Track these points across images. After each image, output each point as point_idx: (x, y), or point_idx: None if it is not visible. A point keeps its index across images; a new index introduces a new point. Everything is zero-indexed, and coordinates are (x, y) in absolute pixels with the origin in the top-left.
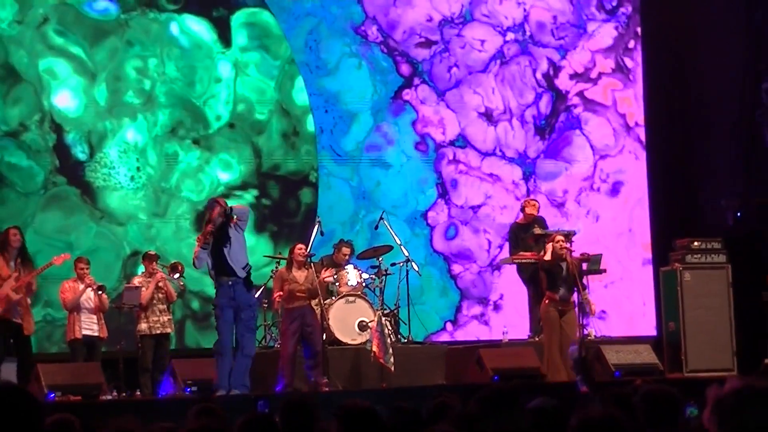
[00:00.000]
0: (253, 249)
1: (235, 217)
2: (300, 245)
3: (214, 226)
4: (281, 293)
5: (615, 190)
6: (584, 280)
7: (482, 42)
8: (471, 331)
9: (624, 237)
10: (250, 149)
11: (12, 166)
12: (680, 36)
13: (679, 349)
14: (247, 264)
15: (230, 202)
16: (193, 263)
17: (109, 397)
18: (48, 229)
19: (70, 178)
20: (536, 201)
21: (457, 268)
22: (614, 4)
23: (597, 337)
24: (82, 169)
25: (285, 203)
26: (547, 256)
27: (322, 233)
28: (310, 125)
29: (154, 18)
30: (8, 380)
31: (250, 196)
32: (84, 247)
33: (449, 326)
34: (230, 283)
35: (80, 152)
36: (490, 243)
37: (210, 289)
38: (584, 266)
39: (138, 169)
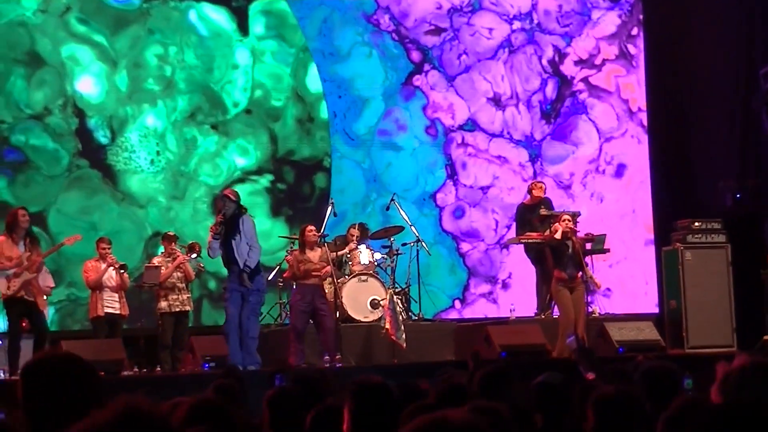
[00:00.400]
0: (269, 232)
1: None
2: (310, 226)
3: (224, 218)
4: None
5: (619, 173)
6: (587, 259)
7: (490, 30)
8: (479, 309)
9: (627, 218)
10: (266, 135)
11: (38, 149)
12: (679, 23)
13: (681, 326)
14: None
15: (246, 187)
16: (208, 253)
17: (130, 373)
18: (72, 211)
19: (92, 161)
20: (543, 183)
21: (465, 247)
22: None
23: (601, 314)
24: (104, 152)
25: (299, 187)
26: (558, 235)
27: (335, 214)
28: (323, 111)
29: (174, 6)
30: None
31: (265, 180)
32: (107, 228)
33: (458, 304)
34: (237, 271)
35: (102, 136)
36: (497, 223)
37: (225, 271)
38: (588, 246)
39: (158, 153)
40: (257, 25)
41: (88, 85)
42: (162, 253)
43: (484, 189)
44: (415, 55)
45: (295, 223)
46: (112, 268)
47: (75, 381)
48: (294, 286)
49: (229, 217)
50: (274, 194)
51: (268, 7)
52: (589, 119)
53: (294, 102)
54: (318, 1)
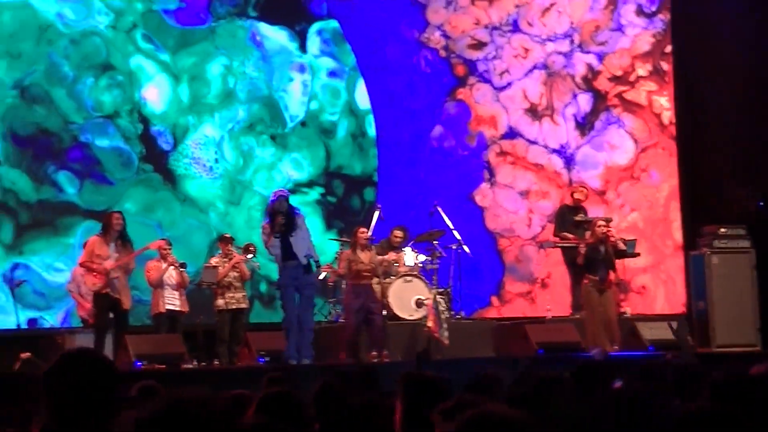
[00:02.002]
0: (321, 246)
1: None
2: (362, 228)
3: (284, 217)
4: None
5: (650, 181)
6: (618, 263)
7: (529, 46)
8: (517, 307)
9: (657, 224)
10: (319, 149)
11: (107, 150)
12: (706, 36)
13: (708, 326)
14: (309, 254)
15: (296, 198)
16: (268, 251)
17: (190, 366)
18: (140, 212)
19: (155, 166)
20: (585, 188)
21: (504, 249)
22: (653, 9)
23: (632, 314)
24: (166, 158)
25: (349, 200)
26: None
27: (382, 218)
28: (372, 127)
29: (240, 25)
30: (83, 346)
31: (315, 193)
32: (174, 231)
33: (496, 302)
34: (294, 266)
35: (164, 143)
36: (533, 223)
37: (276, 275)
38: (621, 246)
39: (216, 160)
40: (314, 44)
41: (152, 95)
42: (219, 253)
43: (522, 193)
44: (460, 69)
45: (344, 235)
46: (172, 267)
47: (92, 376)
48: (344, 285)
49: (287, 215)
50: (325, 206)
51: (324, 26)
52: (623, 130)
53: (347, 117)
54: (369, 19)
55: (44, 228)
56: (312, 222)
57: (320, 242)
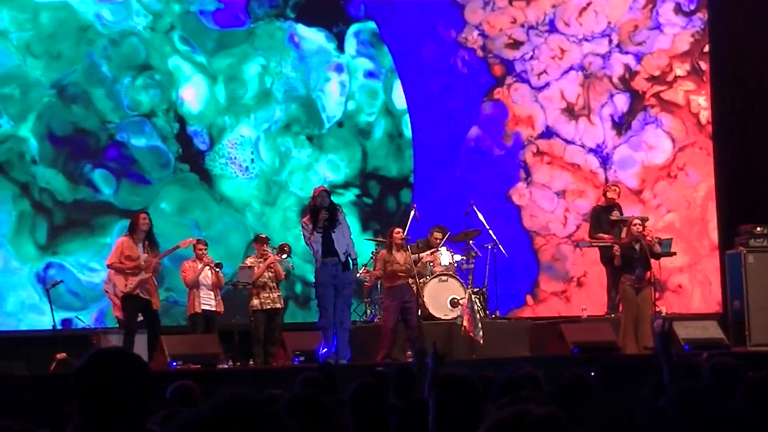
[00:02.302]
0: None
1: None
2: (398, 229)
3: (327, 212)
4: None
5: (687, 181)
6: (654, 262)
7: (566, 47)
8: (552, 306)
9: (694, 223)
10: (356, 150)
11: (144, 149)
12: (744, 35)
13: (743, 325)
14: (348, 251)
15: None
16: (310, 246)
17: (225, 366)
18: (176, 211)
19: (192, 165)
20: (617, 186)
21: (540, 248)
22: (692, 8)
23: (667, 314)
24: (202, 157)
25: (384, 202)
26: (625, 239)
27: (417, 218)
28: (408, 128)
29: (279, 26)
30: (116, 345)
31: (351, 194)
32: (211, 231)
33: (531, 301)
34: (334, 263)
35: (201, 142)
36: (569, 222)
37: (310, 276)
38: (657, 249)
39: (252, 161)
40: (351, 45)
41: (189, 95)
42: (254, 254)
43: (559, 193)
44: (498, 69)
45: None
46: (208, 267)
47: (124, 375)
48: (379, 286)
49: (329, 210)
50: (361, 208)
51: (362, 28)
52: (661, 129)
53: (385, 117)
54: (408, 20)
55: (79, 228)
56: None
57: (356, 243)
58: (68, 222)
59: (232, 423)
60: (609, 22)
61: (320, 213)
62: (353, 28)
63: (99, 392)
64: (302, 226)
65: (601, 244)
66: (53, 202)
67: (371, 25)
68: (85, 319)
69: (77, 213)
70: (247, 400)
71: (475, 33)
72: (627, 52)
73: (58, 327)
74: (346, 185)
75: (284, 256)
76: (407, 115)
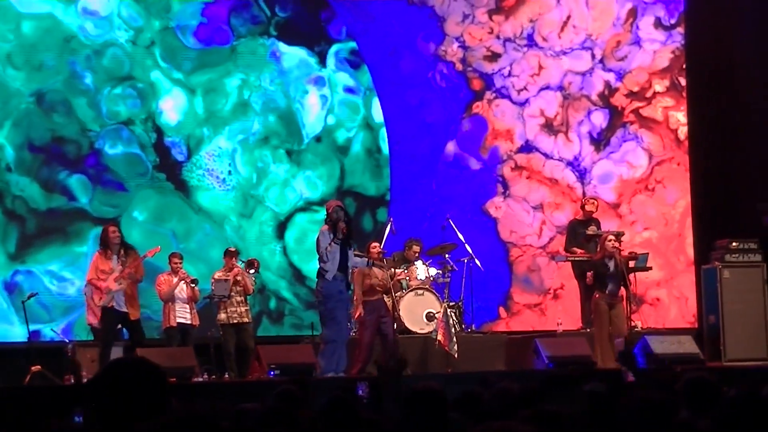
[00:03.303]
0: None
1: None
2: (374, 243)
3: (347, 226)
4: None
5: (664, 196)
6: (630, 277)
7: (546, 63)
8: (526, 319)
9: (671, 239)
10: (334, 167)
11: (122, 157)
12: (720, 53)
13: (718, 340)
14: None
15: (305, 216)
16: (324, 255)
17: (201, 379)
18: (153, 220)
19: (169, 175)
20: (595, 200)
21: (515, 260)
22: (672, 21)
23: (643, 328)
24: (179, 168)
25: (360, 221)
26: (599, 254)
27: (394, 232)
28: (386, 145)
29: (261, 43)
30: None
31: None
32: (190, 243)
33: (504, 312)
34: (342, 278)
35: (178, 153)
36: (544, 234)
37: (285, 292)
38: (631, 264)
39: (229, 172)
40: (332, 60)
41: (169, 106)
42: (223, 267)
43: (536, 206)
44: (476, 83)
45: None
46: (183, 281)
47: (145, 384)
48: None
49: (348, 224)
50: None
51: (342, 47)
52: (638, 145)
53: (364, 134)
54: (387, 33)
55: (52, 236)
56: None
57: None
58: (41, 230)
59: None
60: (590, 35)
61: (339, 224)
62: (334, 48)
63: (118, 400)
64: (321, 234)
65: (576, 258)
66: (27, 209)
67: (352, 44)
68: (50, 332)
69: (51, 221)
70: (196, 419)
71: (455, 45)
72: (610, 69)
73: (24, 339)
74: (322, 202)
75: (252, 271)
76: (383, 133)
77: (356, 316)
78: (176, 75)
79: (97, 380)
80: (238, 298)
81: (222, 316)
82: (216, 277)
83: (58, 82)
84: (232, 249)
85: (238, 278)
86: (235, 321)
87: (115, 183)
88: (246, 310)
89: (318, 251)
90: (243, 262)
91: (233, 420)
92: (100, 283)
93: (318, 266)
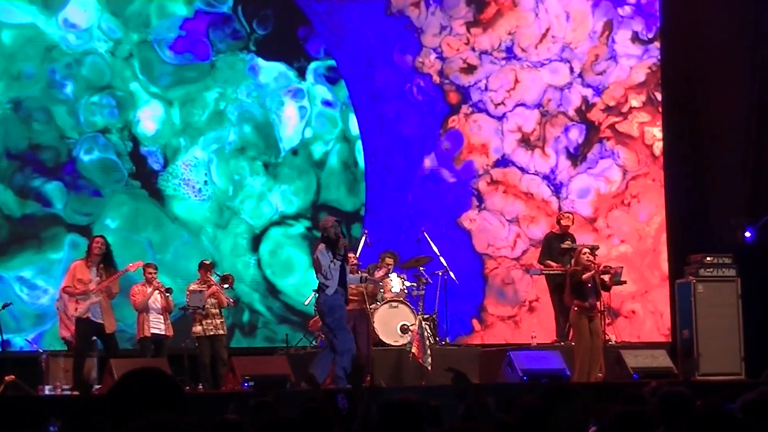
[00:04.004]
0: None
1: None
2: (350, 255)
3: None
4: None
5: (638, 211)
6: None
7: (523, 77)
8: (500, 331)
9: (645, 254)
10: (310, 181)
11: (99, 164)
12: (692, 68)
13: (692, 355)
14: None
15: (279, 230)
16: (327, 273)
17: None
18: (128, 228)
19: (144, 183)
20: (571, 214)
21: (490, 272)
22: (649, 36)
23: (617, 342)
24: (155, 177)
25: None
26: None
27: (368, 244)
28: (362, 160)
29: (241, 58)
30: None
31: (301, 226)
32: (166, 254)
33: (477, 324)
34: (342, 293)
35: (155, 162)
36: (518, 246)
37: (258, 305)
38: (606, 278)
39: (205, 182)
40: (311, 74)
41: (146, 116)
42: (198, 279)
43: (511, 219)
44: (453, 96)
45: None
46: (157, 291)
47: (161, 394)
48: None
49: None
50: (310, 241)
51: (321, 64)
52: (614, 161)
53: (340, 147)
54: (363, 45)
55: (25, 243)
56: (297, 256)
57: (305, 274)
58: (14, 236)
59: None
60: (569, 44)
61: (340, 240)
62: (313, 65)
63: (136, 411)
64: (319, 252)
65: (551, 272)
66: (1, 216)
67: (331, 62)
68: (22, 341)
69: (24, 228)
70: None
71: (432, 56)
72: (588, 84)
73: None
74: (297, 217)
75: (225, 286)
76: (359, 147)
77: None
78: (153, 89)
79: (115, 391)
80: (214, 311)
81: (198, 328)
82: (191, 288)
83: (36, 90)
84: (207, 262)
85: (215, 293)
86: (210, 333)
87: (90, 189)
88: (221, 322)
89: (319, 270)
90: (218, 276)
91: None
92: (76, 290)
93: (318, 282)
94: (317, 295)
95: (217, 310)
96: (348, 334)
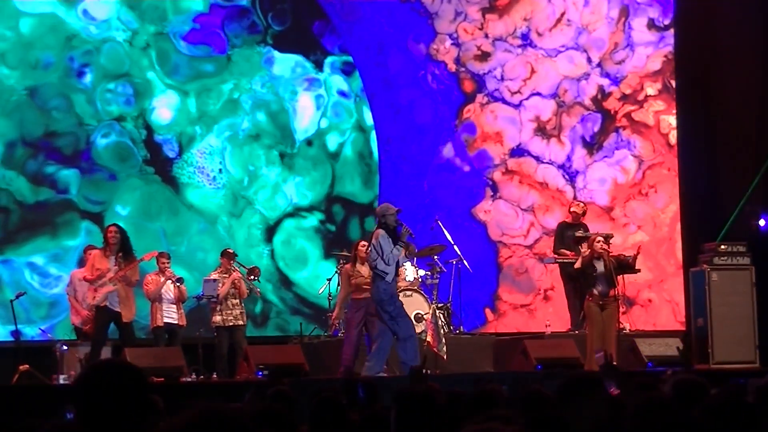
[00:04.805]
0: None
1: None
2: (363, 242)
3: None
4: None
5: (654, 200)
6: (619, 278)
7: (540, 66)
8: (514, 319)
9: (661, 242)
10: (325, 171)
11: (116, 150)
12: (707, 56)
13: (706, 343)
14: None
15: (292, 222)
16: (390, 260)
17: (189, 379)
18: (143, 215)
19: (159, 171)
20: (582, 202)
21: (504, 261)
22: (665, 22)
23: (632, 330)
24: (170, 164)
25: (347, 229)
26: (577, 264)
27: (412, 235)
28: (376, 151)
29: (258, 51)
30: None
31: (315, 219)
32: (180, 240)
33: (490, 313)
34: (396, 280)
35: (170, 150)
36: (531, 234)
37: (271, 295)
38: (630, 258)
39: (220, 170)
40: (327, 66)
41: (161, 105)
42: (219, 268)
43: (526, 209)
44: (468, 85)
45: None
46: (170, 281)
47: (126, 387)
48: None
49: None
50: (324, 235)
51: (337, 59)
52: (630, 152)
53: (356, 137)
54: (377, 36)
55: (38, 229)
56: (310, 249)
57: (319, 266)
58: (25, 223)
59: None
60: (585, 26)
61: (404, 228)
62: (330, 59)
63: (100, 402)
64: (381, 238)
65: (566, 260)
66: (13, 202)
67: (347, 58)
68: (33, 331)
69: (37, 214)
70: (219, 413)
71: (448, 42)
72: (606, 73)
73: (9, 339)
74: (310, 209)
75: (252, 278)
76: (374, 132)
77: (333, 317)
78: (169, 81)
79: (79, 383)
80: (234, 301)
81: (217, 318)
82: (209, 277)
83: (54, 78)
84: (230, 251)
85: (236, 282)
86: (230, 324)
87: (105, 174)
88: (241, 312)
89: (380, 255)
90: (245, 268)
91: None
92: (94, 278)
93: (377, 269)
94: (376, 282)
95: (237, 300)
96: (409, 320)
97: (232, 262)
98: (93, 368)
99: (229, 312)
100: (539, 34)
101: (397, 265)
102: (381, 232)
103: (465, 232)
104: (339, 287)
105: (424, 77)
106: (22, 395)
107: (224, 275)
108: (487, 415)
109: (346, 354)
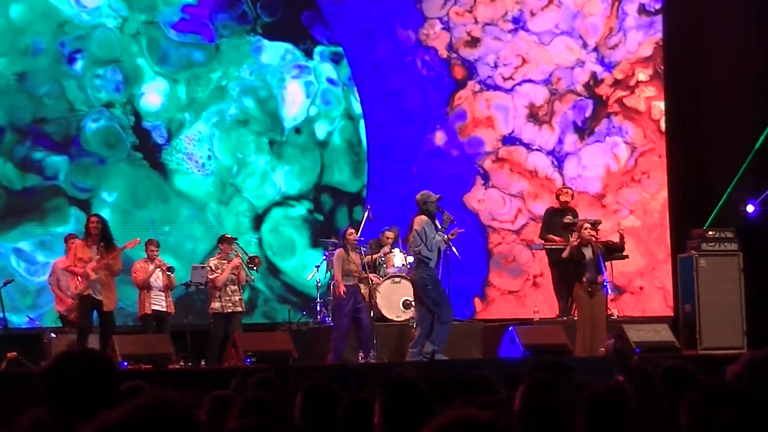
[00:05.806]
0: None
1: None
2: (351, 230)
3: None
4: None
5: (645, 186)
6: (607, 264)
7: (531, 52)
8: (503, 305)
9: (652, 229)
10: (314, 160)
11: (105, 136)
12: (697, 40)
13: (694, 329)
14: None
15: (279, 211)
16: (432, 246)
17: (177, 367)
18: (131, 201)
19: (147, 156)
20: (570, 189)
21: (494, 246)
22: (656, 7)
23: (620, 316)
24: (159, 151)
25: (335, 218)
26: (565, 254)
27: (371, 219)
28: (364, 139)
29: (247, 40)
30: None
31: (303, 208)
32: (169, 227)
33: (480, 301)
34: (437, 265)
35: (158, 136)
36: (518, 220)
37: (258, 283)
38: (617, 238)
39: (209, 157)
40: (316, 54)
41: (150, 91)
42: (218, 254)
43: (515, 195)
44: (458, 71)
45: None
46: (159, 269)
47: (94, 375)
48: (331, 287)
49: None
50: (311, 224)
51: (326, 49)
52: (622, 138)
53: (344, 126)
54: (366, 22)
55: (25, 216)
56: (298, 238)
57: (307, 255)
58: (11, 209)
59: (150, 427)
60: (578, 11)
61: (445, 214)
62: (319, 48)
63: (68, 390)
64: (425, 224)
65: (554, 246)
66: (0, 187)
67: (337, 48)
68: (20, 319)
69: (24, 200)
70: (167, 404)
71: (438, 27)
72: (600, 61)
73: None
74: (299, 198)
75: (252, 266)
76: (363, 121)
77: (340, 291)
78: (158, 69)
79: (47, 372)
80: (233, 287)
81: (216, 305)
82: (209, 264)
83: (44, 63)
84: (229, 236)
85: (236, 269)
86: (228, 310)
87: (93, 158)
88: (239, 299)
89: (423, 241)
90: (246, 254)
91: (207, 408)
92: (77, 270)
93: (420, 255)
94: (419, 267)
95: (236, 287)
96: (450, 305)
97: (231, 247)
98: (61, 357)
99: (228, 299)
100: (532, 14)
101: (439, 252)
102: (424, 218)
103: (456, 217)
104: (330, 272)
105: (413, 63)
106: (9, 383)
107: (224, 261)
108: (470, 401)
109: (336, 341)
